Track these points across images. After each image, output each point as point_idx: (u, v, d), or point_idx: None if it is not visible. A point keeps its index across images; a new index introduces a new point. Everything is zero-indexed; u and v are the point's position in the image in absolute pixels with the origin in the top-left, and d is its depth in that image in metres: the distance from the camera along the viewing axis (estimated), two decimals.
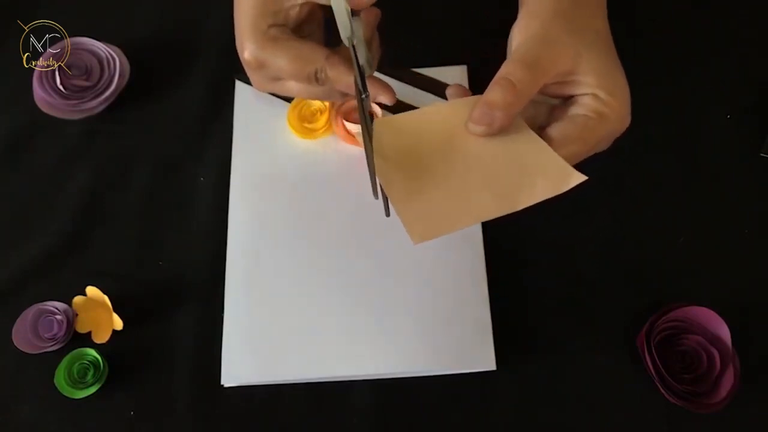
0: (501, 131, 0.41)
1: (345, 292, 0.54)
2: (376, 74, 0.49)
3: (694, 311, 0.54)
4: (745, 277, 0.57)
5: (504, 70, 0.41)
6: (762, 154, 0.60)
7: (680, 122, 0.62)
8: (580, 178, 0.40)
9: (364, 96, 0.43)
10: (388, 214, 0.43)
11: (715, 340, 0.53)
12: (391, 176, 0.41)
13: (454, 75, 0.60)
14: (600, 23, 0.45)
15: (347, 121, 0.58)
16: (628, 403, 0.53)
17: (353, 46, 0.43)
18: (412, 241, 0.39)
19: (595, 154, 0.60)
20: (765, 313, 0.56)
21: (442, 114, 0.43)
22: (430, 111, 0.44)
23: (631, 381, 0.53)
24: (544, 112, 0.45)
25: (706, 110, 0.62)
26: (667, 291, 0.56)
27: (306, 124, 0.59)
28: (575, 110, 0.42)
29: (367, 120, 0.43)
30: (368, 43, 0.46)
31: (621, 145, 0.61)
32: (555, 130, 0.42)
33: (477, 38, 0.60)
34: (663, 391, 0.51)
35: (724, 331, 0.53)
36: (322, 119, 0.58)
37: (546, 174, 0.41)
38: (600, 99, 0.42)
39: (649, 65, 0.64)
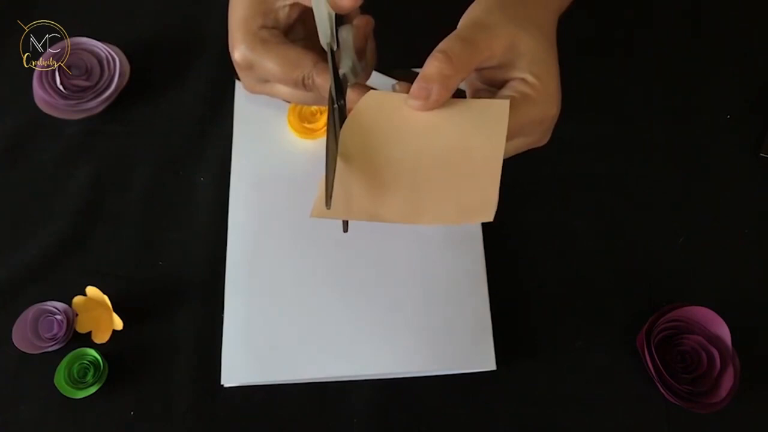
0: (437, 105, 0.41)
1: (345, 292, 0.54)
2: (376, 74, 0.49)
3: (694, 311, 0.54)
4: (745, 277, 0.57)
5: (440, 45, 0.41)
6: (762, 154, 0.60)
7: (680, 122, 0.62)
8: (488, 216, 0.40)
9: (336, 105, 0.43)
10: (346, 230, 0.43)
11: (715, 340, 0.53)
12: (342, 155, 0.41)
13: None
14: (543, 18, 0.45)
15: None
16: (628, 403, 0.53)
17: (332, 53, 0.43)
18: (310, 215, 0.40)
19: (603, 156, 0.60)
20: (765, 313, 0.56)
21: (393, 104, 0.43)
22: (383, 100, 0.43)
23: (631, 381, 0.53)
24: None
25: (706, 110, 0.62)
26: (667, 291, 0.56)
27: (306, 124, 0.59)
28: (502, 92, 0.43)
29: (336, 128, 0.42)
30: (360, 52, 0.46)
31: (621, 144, 0.61)
32: None
33: None
34: (663, 391, 0.51)
35: (724, 331, 0.53)
36: (322, 119, 0.58)
37: (466, 199, 0.41)
38: (526, 82, 0.42)
39: (648, 65, 0.64)
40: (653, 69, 0.64)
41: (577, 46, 0.64)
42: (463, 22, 0.44)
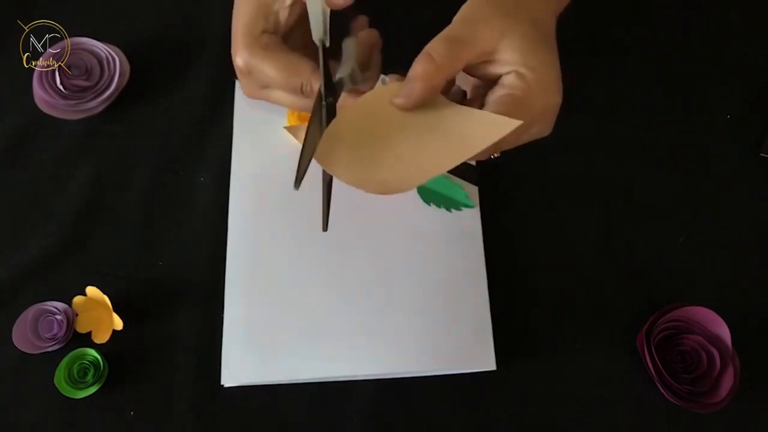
0: (420, 102, 0.42)
1: (345, 292, 0.54)
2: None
3: (694, 311, 0.54)
4: (745, 277, 0.57)
5: (426, 46, 0.42)
6: (762, 154, 0.60)
7: (680, 122, 0.62)
8: (512, 123, 0.40)
9: (324, 102, 0.44)
10: (325, 228, 0.44)
11: (715, 340, 0.53)
12: (338, 159, 0.42)
13: None
14: (538, 15, 0.45)
15: None
16: (628, 403, 0.53)
17: (323, 48, 0.44)
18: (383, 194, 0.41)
19: (603, 156, 0.60)
20: (765, 313, 0.56)
21: (381, 99, 0.44)
22: (373, 96, 0.44)
23: (631, 381, 0.53)
24: (482, 99, 0.45)
25: (706, 110, 0.63)
26: (667, 291, 0.56)
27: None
28: (500, 91, 0.43)
29: (322, 123, 0.43)
30: (364, 64, 0.46)
31: (622, 145, 0.61)
32: None
33: None
34: (663, 391, 0.51)
35: (724, 331, 0.53)
36: None
37: (480, 128, 0.41)
38: (522, 75, 0.42)
39: (648, 65, 0.64)
40: (653, 69, 0.64)
41: (576, 46, 0.64)
42: (454, 18, 0.44)
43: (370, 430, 0.52)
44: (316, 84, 0.46)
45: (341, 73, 0.45)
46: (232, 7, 0.50)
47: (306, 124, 0.58)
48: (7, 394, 0.54)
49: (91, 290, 0.54)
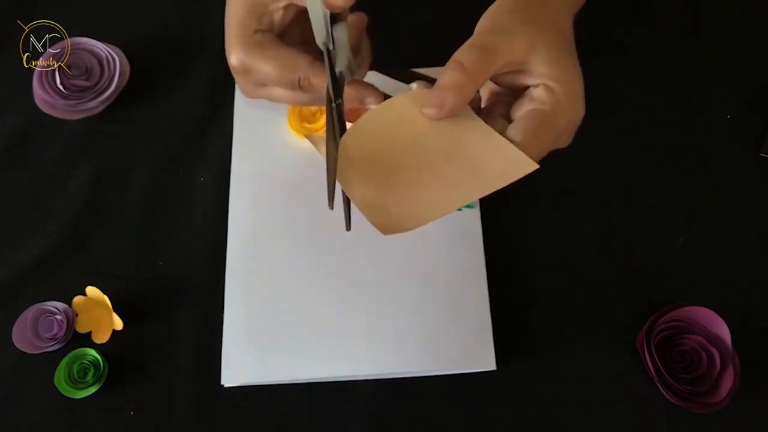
0: (452, 113, 0.41)
1: (345, 292, 0.54)
2: (375, 74, 0.49)
3: (694, 311, 0.54)
4: (745, 277, 0.57)
5: (456, 54, 0.41)
6: (762, 154, 0.60)
7: (680, 122, 0.62)
8: (532, 166, 0.40)
9: (334, 104, 0.43)
10: (348, 228, 0.43)
11: (715, 340, 0.53)
12: (353, 177, 0.41)
13: None
14: (560, 21, 0.45)
15: (347, 121, 0.58)
16: (628, 403, 0.53)
17: (328, 52, 0.43)
18: (382, 233, 0.40)
19: (603, 156, 0.61)
20: (765, 313, 0.56)
21: (407, 107, 0.43)
22: (397, 103, 0.43)
23: (631, 381, 0.53)
24: (505, 107, 0.45)
25: (706, 110, 0.62)
26: (667, 291, 0.56)
27: (306, 124, 0.59)
28: (528, 105, 0.42)
29: (335, 127, 0.43)
30: (355, 48, 0.46)
31: (622, 145, 0.61)
32: (513, 131, 0.42)
33: None
34: (663, 391, 0.51)
35: (724, 331, 0.53)
36: (322, 119, 0.58)
37: (499, 164, 0.41)
38: (550, 89, 0.42)
39: (648, 65, 0.64)
40: (653, 69, 0.64)
41: (577, 46, 0.64)
42: (479, 27, 0.43)
43: (370, 430, 0.52)
44: (314, 77, 0.45)
45: (339, 66, 0.44)
46: None
47: (308, 123, 0.59)
48: (7, 394, 0.54)
49: (91, 290, 0.54)
